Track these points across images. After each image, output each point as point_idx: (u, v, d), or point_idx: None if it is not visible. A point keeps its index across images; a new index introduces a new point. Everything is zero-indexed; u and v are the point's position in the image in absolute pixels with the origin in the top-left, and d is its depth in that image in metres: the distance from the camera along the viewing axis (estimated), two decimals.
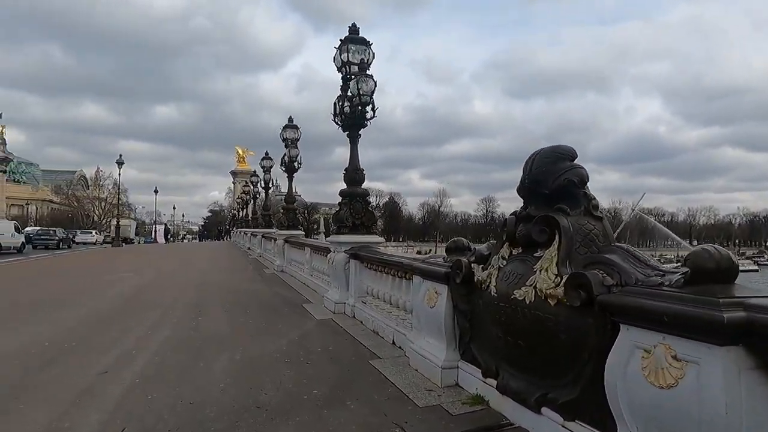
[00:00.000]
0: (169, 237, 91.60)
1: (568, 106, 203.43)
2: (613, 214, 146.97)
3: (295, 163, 15.83)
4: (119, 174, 42.74)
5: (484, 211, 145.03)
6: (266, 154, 23.14)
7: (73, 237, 42.29)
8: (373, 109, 8.22)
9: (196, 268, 17.33)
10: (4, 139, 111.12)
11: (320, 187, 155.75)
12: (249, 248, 29.24)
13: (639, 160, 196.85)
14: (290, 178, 16.21)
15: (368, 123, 8.39)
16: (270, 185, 23.50)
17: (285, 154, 16.13)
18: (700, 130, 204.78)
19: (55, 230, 37.54)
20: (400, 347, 5.85)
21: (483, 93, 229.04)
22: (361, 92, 8.02)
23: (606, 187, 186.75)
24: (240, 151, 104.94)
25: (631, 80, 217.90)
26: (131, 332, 6.74)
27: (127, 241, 59.55)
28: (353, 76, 8.30)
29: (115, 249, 37.07)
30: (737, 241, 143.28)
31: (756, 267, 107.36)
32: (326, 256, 10.29)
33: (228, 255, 26.30)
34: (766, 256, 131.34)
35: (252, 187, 32.90)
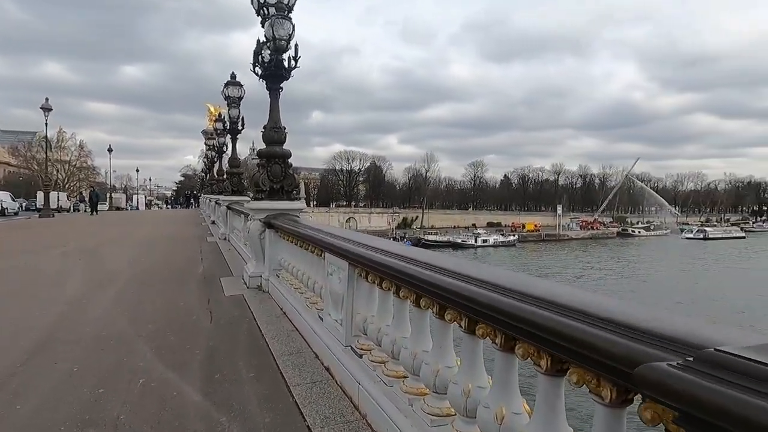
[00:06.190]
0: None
1: (546, 70, 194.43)
2: (602, 179, 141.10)
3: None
4: (46, 123, 32.97)
5: (472, 175, 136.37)
6: (232, 76, 14.32)
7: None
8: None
9: (79, 286, 8.80)
10: None
11: (299, 152, 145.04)
12: (213, 222, 20.87)
13: (615, 126, 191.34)
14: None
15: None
16: (240, 126, 14.61)
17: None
18: (676, 97, 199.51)
19: None
20: None
21: (460, 56, 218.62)
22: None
23: (583, 153, 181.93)
24: (212, 109, 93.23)
25: (608, 45, 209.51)
26: None
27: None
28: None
29: (40, 221, 27.93)
30: (722, 207, 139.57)
31: (743, 234, 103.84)
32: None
33: (176, 237, 17.52)
34: (750, 222, 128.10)
35: (217, 138, 23.77)
